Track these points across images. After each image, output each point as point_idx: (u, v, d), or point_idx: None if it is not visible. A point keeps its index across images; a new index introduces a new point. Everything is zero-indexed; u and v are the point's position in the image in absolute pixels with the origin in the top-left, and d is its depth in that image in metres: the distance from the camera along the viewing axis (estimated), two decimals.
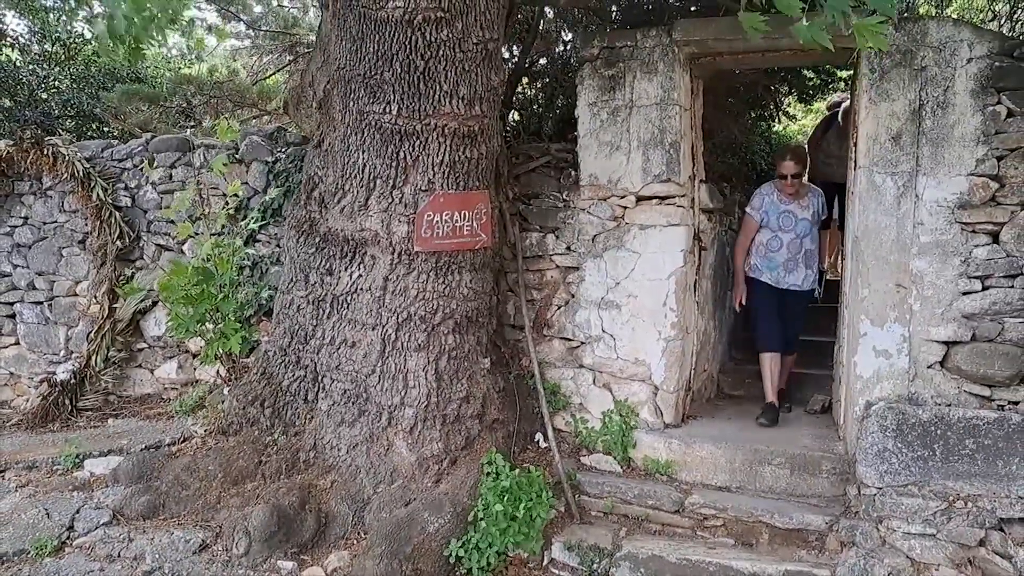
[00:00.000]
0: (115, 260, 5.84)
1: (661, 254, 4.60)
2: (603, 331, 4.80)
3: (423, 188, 4.22)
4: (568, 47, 6.70)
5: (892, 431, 3.90)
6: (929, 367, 4.13)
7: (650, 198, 4.62)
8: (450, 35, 3.89)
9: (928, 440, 3.84)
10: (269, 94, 7.31)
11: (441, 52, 3.92)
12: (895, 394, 4.15)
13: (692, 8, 5.59)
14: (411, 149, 4.15)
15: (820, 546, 3.99)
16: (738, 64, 4.88)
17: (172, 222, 5.72)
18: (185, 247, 5.81)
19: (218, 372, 5.18)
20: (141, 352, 6.02)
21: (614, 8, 6.13)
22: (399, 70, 3.94)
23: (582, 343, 4.89)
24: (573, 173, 4.85)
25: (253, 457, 4.49)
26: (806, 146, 6.57)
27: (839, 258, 5.65)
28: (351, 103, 4.18)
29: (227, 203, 5.64)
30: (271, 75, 7.59)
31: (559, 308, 4.95)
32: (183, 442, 4.88)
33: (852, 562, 3.74)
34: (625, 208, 4.67)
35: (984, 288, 4.04)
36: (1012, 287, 3.99)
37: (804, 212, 5.02)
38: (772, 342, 5.09)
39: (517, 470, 4.27)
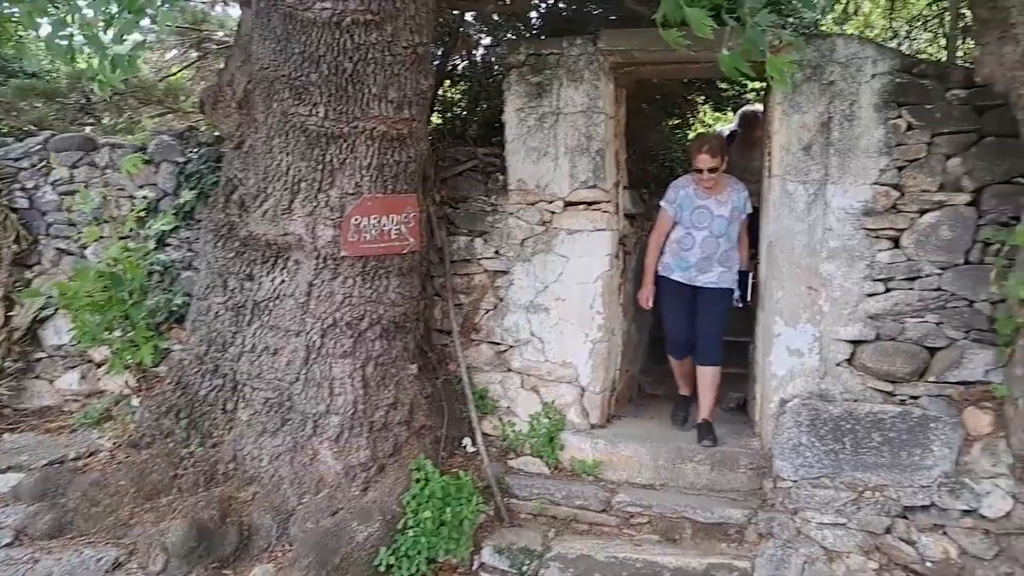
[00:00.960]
0: (11, 265, 5.56)
1: (588, 258, 4.77)
2: (532, 334, 4.93)
3: (350, 192, 4.22)
4: (488, 51, 6.83)
5: (806, 426, 4.18)
6: (838, 365, 4.43)
7: (577, 203, 4.78)
8: (379, 38, 3.93)
9: (839, 434, 4.13)
10: (176, 91, 7.10)
11: (370, 55, 3.95)
12: (807, 391, 4.43)
13: (611, 17, 5.79)
14: (338, 152, 4.15)
15: (740, 539, 4.23)
16: (659, 74, 5.10)
17: (74, 225, 5.51)
18: (88, 251, 5.59)
19: (126, 382, 5.01)
20: (39, 362, 5.73)
21: (535, 15, 6.29)
22: (326, 72, 3.94)
23: (510, 347, 5.00)
24: (501, 178, 4.95)
25: (168, 470, 4.38)
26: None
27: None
28: (275, 104, 4.14)
29: (133, 205, 5.47)
30: (178, 72, 7.38)
31: (487, 312, 5.04)
32: (89, 456, 4.72)
33: (770, 553, 3.98)
34: (553, 213, 4.82)
35: (887, 290, 4.36)
36: (912, 289, 4.33)
37: (721, 208, 4.71)
38: (678, 349, 4.94)
39: (446, 476, 4.33)
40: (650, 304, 4.95)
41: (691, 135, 7.32)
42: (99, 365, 5.56)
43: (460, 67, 6.59)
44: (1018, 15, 3.68)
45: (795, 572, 3.91)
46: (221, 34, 7.54)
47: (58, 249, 5.70)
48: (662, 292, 4.93)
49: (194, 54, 7.84)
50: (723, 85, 6.55)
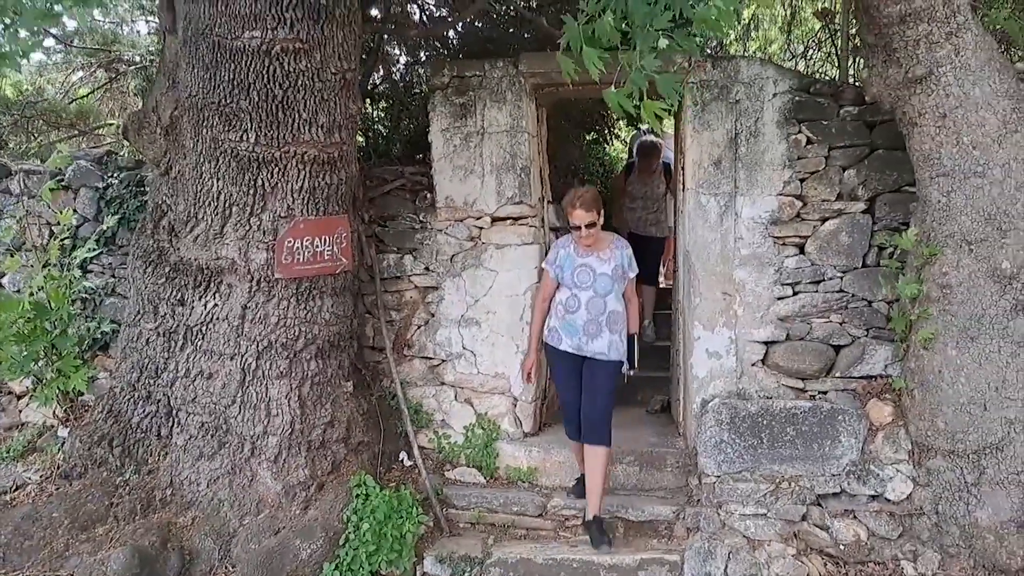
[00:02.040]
0: None
1: (517, 271, 5.06)
2: (464, 348, 5.18)
3: (282, 215, 4.40)
4: (408, 69, 7.07)
5: (727, 424, 4.55)
6: (753, 365, 4.83)
7: (504, 219, 5.07)
8: (309, 65, 4.14)
9: (757, 430, 4.52)
10: (87, 114, 7.08)
11: (300, 82, 4.16)
12: (726, 391, 4.82)
13: (525, 35, 6.11)
14: (269, 176, 4.32)
15: (669, 534, 4.57)
16: (577, 94, 5.43)
17: None
18: (5, 280, 5.57)
19: (54, 412, 5.02)
20: None
21: (453, 34, 6.56)
22: (256, 99, 4.13)
23: (443, 361, 5.24)
24: (429, 195, 5.20)
25: (103, 500, 4.45)
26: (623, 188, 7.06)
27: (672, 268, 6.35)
28: (204, 130, 4.29)
29: (52, 232, 5.49)
30: (89, 94, 7.35)
31: (419, 328, 5.27)
32: (16, 490, 4.70)
33: (698, 545, 4.32)
34: (481, 228, 5.09)
35: (794, 293, 4.79)
36: (817, 292, 4.77)
37: (604, 266, 4.46)
38: (576, 428, 4.56)
39: (386, 490, 4.53)
40: (533, 380, 4.77)
41: (607, 148, 7.72)
42: (20, 397, 5.53)
43: (380, 85, 6.80)
44: (899, 41, 4.14)
45: (721, 562, 4.25)
46: (130, 55, 7.56)
47: None
48: (552, 363, 4.68)
49: (100, 74, 7.84)
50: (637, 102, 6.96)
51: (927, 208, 4.27)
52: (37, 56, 8.16)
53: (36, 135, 6.94)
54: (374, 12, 6.25)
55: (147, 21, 7.37)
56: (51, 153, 5.77)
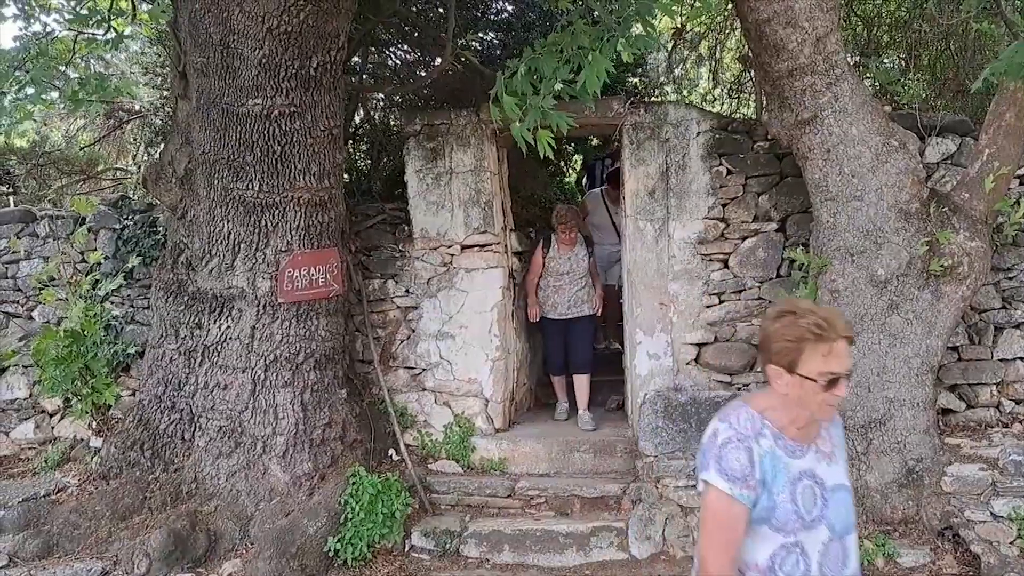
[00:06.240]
0: None
1: (484, 291, 6.21)
2: (441, 358, 6.33)
3: (283, 249, 5.52)
4: (386, 113, 8.24)
5: (661, 412, 5.70)
6: (687, 363, 5.99)
7: (472, 246, 6.22)
8: (302, 125, 5.28)
9: (687, 416, 5.67)
10: (95, 161, 8.22)
11: (295, 139, 5.29)
12: (664, 386, 5.97)
13: (485, 86, 7.24)
14: (271, 218, 5.44)
15: (617, 507, 5.69)
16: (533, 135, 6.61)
17: (20, 290, 6.63)
18: (35, 313, 6.70)
19: (89, 425, 6.14)
20: None
21: (426, 86, 7.74)
22: (259, 154, 5.26)
23: (424, 370, 6.39)
24: (407, 228, 6.36)
25: (138, 495, 5.54)
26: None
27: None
28: (216, 181, 5.41)
29: (76, 269, 6.62)
30: (97, 141, 8.50)
31: (402, 342, 6.42)
32: (58, 492, 5.79)
33: (640, 514, 5.45)
34: (452, 255, 6.25)
35: (720, 302, 5.96)
36: (739, 300, 5.94)
37: (836, 468, 2.50)
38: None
39: (378, 478, 5.65)
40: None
41: (565, 180, 8.91)
42: (52, 415, 6.63)
43: (361, 127, 7.96)
44: (789, 90, 5.31)
45: (659, 526, 5.39)
46: (131, 103, 8.69)
47: (5, 313, 6.77)
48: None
49: (100, 121, 8.97)
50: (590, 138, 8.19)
51: (819, 227, 5.40)
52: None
53: (48, 182, 8.07)
54: (356, 58, 7.41)
55: (145, 73, 8.50)
56: (62, 197, 6.91)
